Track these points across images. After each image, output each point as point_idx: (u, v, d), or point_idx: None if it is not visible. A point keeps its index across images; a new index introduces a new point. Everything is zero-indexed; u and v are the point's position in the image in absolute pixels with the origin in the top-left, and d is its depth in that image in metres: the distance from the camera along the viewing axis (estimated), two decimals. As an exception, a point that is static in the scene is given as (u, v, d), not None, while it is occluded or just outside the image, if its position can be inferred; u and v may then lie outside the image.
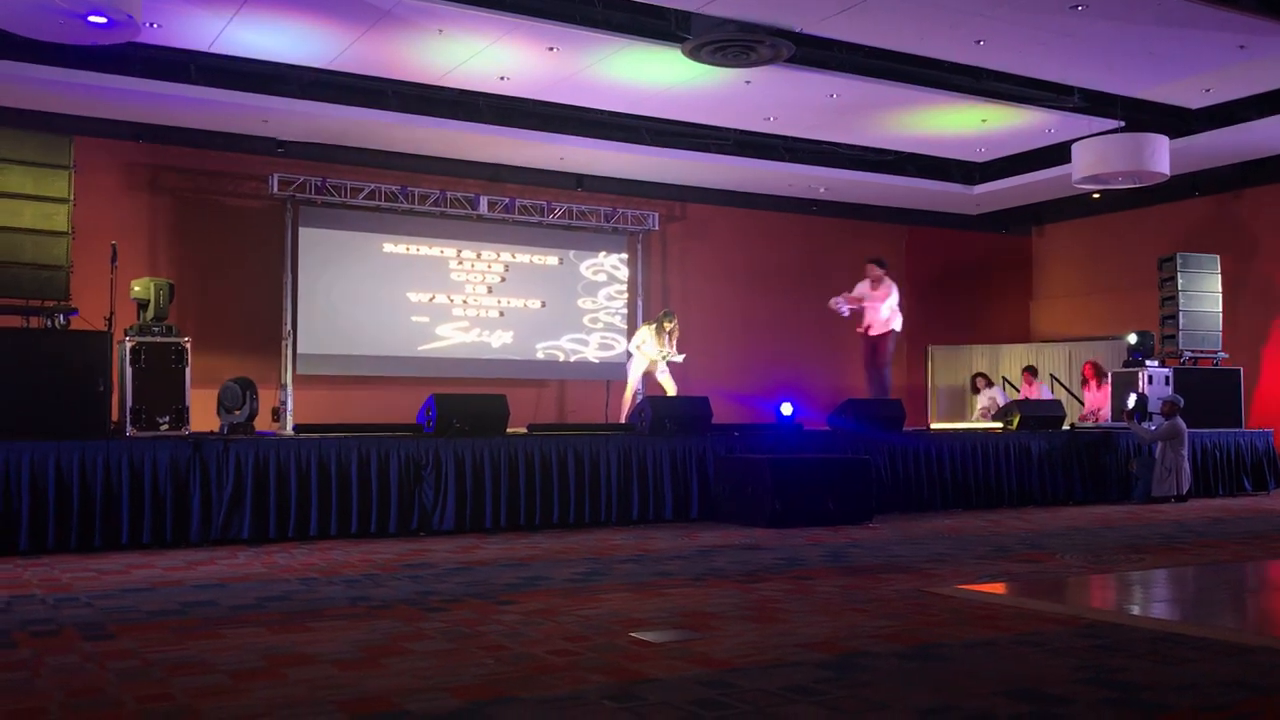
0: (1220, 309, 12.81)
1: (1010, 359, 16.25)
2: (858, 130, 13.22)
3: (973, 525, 8.73)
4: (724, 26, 9.63)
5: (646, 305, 14.62)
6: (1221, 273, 12.90)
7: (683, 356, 12.13)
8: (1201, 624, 4.65)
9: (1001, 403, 13.48)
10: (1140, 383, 12.01)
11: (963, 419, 14.94)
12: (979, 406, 14.20)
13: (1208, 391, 12.31)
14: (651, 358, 11.96)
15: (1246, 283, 13.93)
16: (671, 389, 12.00)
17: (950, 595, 5.29)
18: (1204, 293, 12.73)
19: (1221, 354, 12.79)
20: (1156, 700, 3.33)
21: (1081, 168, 12.09)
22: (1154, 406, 11.48)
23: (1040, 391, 13.83)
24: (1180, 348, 12.52)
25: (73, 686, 3.54)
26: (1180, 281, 12.57)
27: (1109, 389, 12.68)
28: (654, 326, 12.09)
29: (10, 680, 3.63)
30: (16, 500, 6.82)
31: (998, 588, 5.68)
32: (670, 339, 11.98)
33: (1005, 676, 3.64)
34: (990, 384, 14.39)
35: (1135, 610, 5.33)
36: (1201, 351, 12.67)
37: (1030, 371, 14.19)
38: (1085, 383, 13.42)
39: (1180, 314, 12.53)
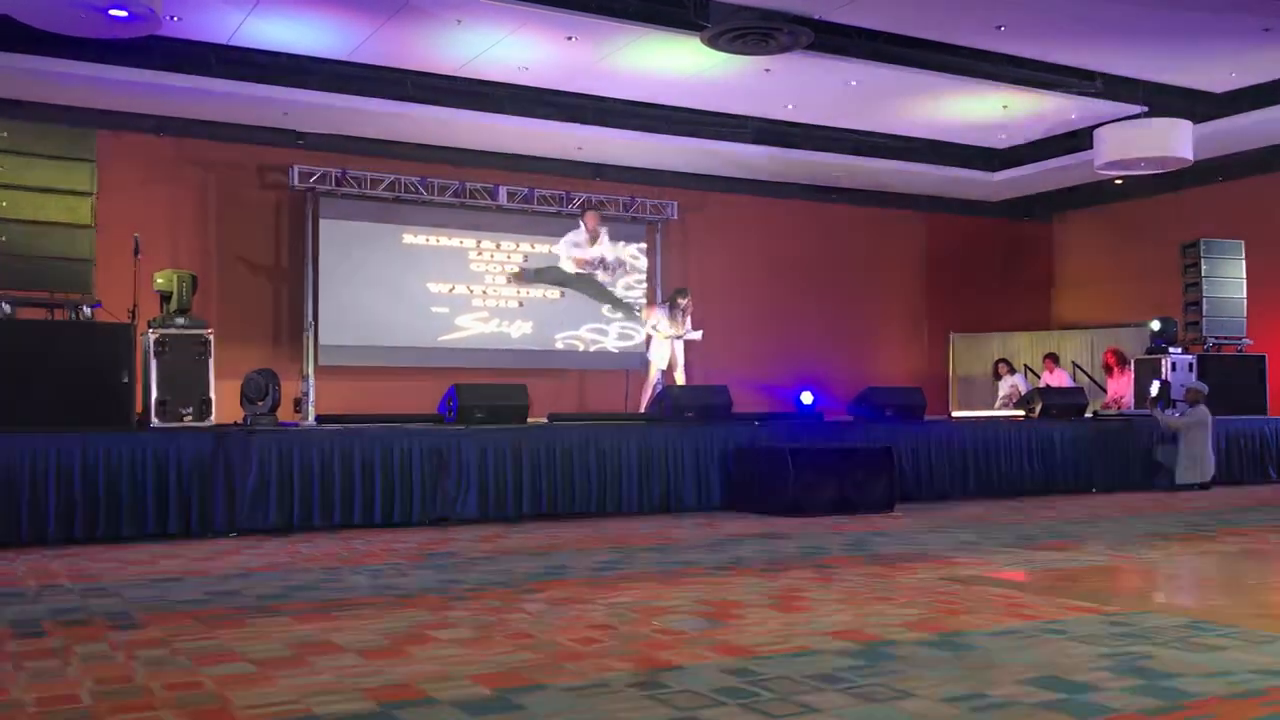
0: (1244, 295, 12.71)
1: (1032, 346, 16.16)
2: (877, 117, 13.16)
3: (996, 513, 8.70)
4: (742, 14, 9.59)
5: (666, 294, 14.59)
6: (1245, 258, 12.79)
7: (700, 334, 12.11)
8: (1228, 611, 4.62)
9: (1024, 390, 13.42)
10: (1164, 370, 11.93)
11: (985, 407, 14.87)
12: (1001, 394, 14.13)
13: (1232, 378, 12.22)
14: (666, 335, 11.92)
15: (1271, 268, 13.79)
16: (680, 377, 11.96)
17: (974, 583, 5.27)
18: (1228, 279, 12.63)
19: (1246, 340, 12.68)
20: (1183, 688, 3.31)
21: (1104, 153, 12.00)
22: (1177, 394, 11.40)
23: (1062, 378, 13.76)
24: (1204, 334, 12.42)
25: (102, 675, 3.57)
26: (1204, 268, 12.48)
27: (1132, 376, 12.60)
28: (667, 305, 12.10)
29: (41, 669, 3.67)
30: (44, 491, 6.88)
31: (1022, 575, 5.66)
32: (684, 316, 11.97)
33: (1031, 664, 3.62)
34: (1012, 371, 14.31)
35: (1161, 598, 5.30)
36: (1225, 338, 12.58)
37: (1052, 358, 14.11)
38: (1108, 370, 13.34)
39: (1204, 300, 12.44)
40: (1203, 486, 10.65)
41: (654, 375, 12.19)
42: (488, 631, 4.18)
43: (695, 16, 9.75)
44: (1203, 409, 10.72)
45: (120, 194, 10.77)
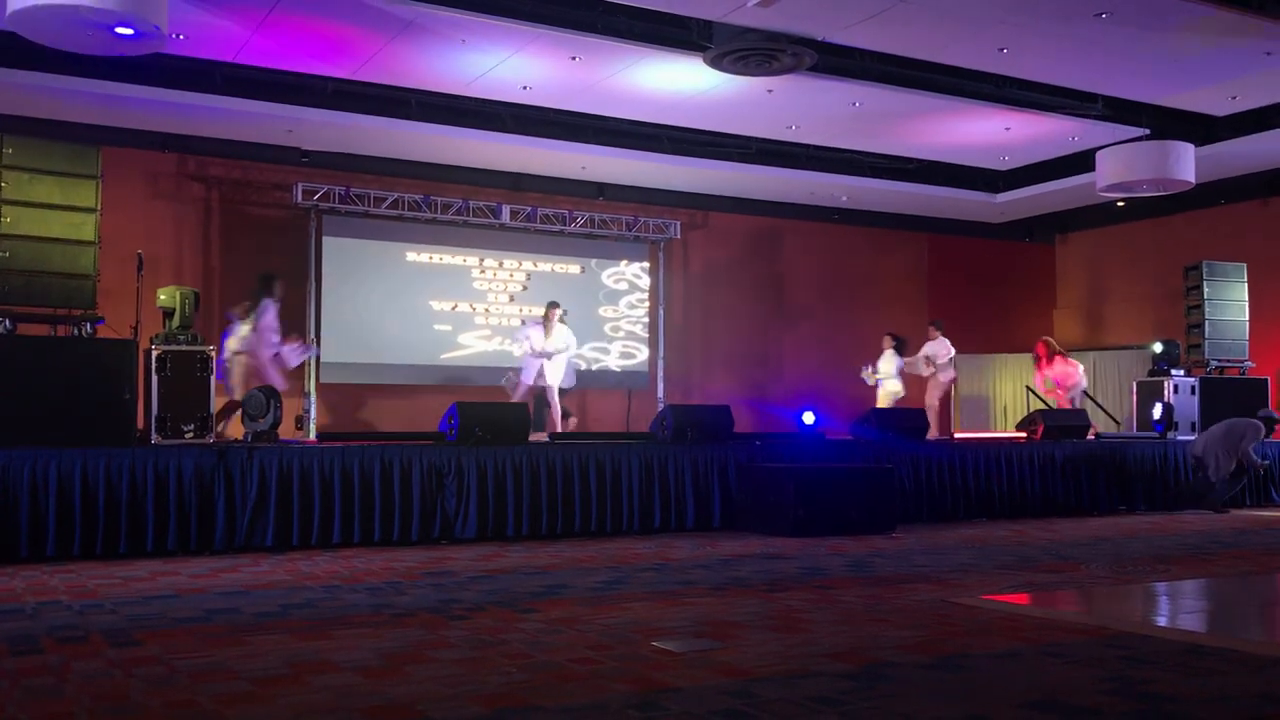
0: (1247, 318, 12.70)
1: (1033, 368, 16.13)
2: (880, 138, 13.20)
3: (997, 535, 8.67)
4: (746, 35, 9.64)
5: (668, 313, 14.62)
6: (1248, 281, 12.80)
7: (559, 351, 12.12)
8: (1230, 635, 4.60)
9: (942, 352, 13.16)
10: (1166, 392, 11.92)
11: (987, 429, 14.84)
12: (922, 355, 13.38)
13: (1234, 401, 12.20)
14: (536, 352, 12.03)
15: (1273, 291, 13.81)
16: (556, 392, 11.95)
17: (974, 605, 5.25)
18: (1230, 301, 12.63)
19: (1248, 363, 12.68)
20: (1184, 712, 3.30)
21: (1106, 175, 12.03)
22: (1180, 416, 11.39)
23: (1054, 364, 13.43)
24: (1206, 357, 12.41)
25: (99, 693, 3.56)
26: (1206, 290, 12.47)
27: (1076, 368, 12.59)
28: (541, 321, 12.15)
29: (38, 686, 3.66)
30: (44, 507, 6.87)
31: (1022, 598, 5.64)
32: (551, 327, 12.09)
33: (1030, 687, 3.61)
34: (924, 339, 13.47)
35: (1162, 621, 5.28)
36: (1228, 361, 12.57)
37: (1045, 345, 13.27)
38: (1037, 361, 13.13)
39: (1206, 323, 12.42)
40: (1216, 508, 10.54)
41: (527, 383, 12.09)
42: (485, 651, 4.17)
43: (698, 38, 9.80)
44: (1221, 425, 10.67)
45: (124, 210, 10.81)
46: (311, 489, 7.62)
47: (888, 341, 13.55)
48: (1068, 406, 12.45)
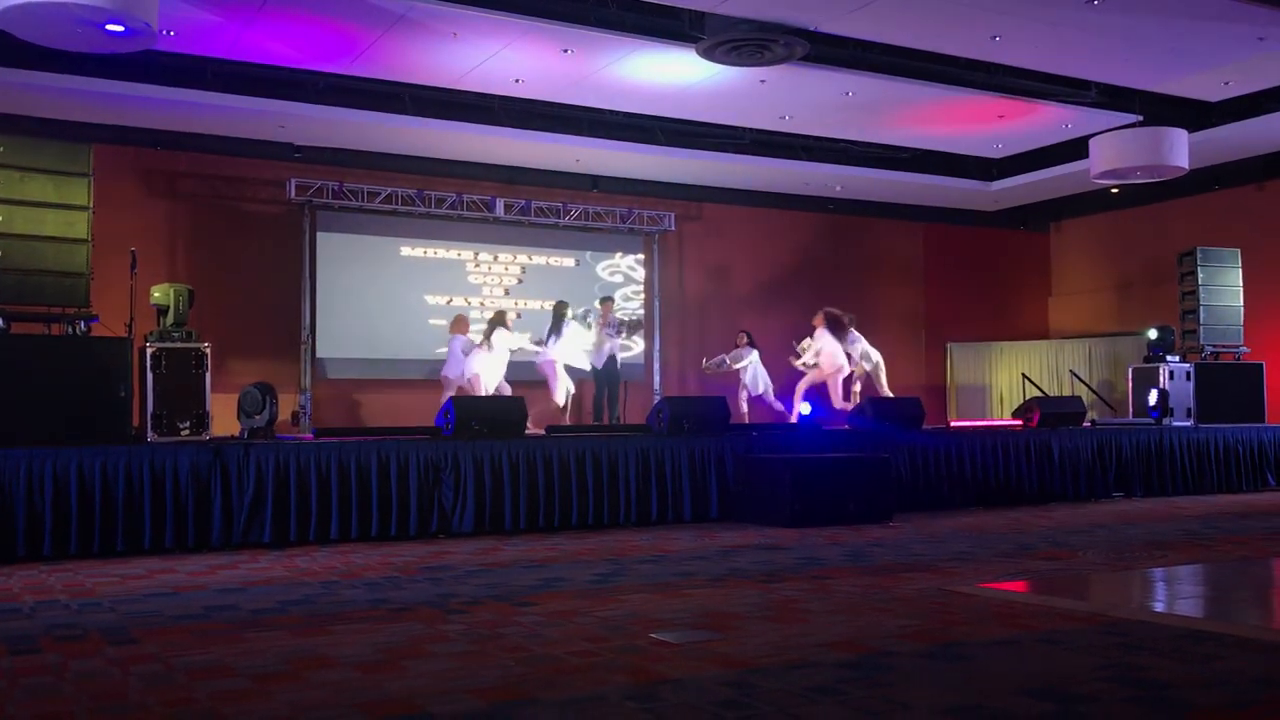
0: (1241, 303, 12.72)
1: (1030, 356, 16.17)
2: (874, 128, 13.19)
3: (994, 523, 8.68)
4: (738, 26, 9.63)
5: (663, 306, 14.61)
6: (1242, 266, 12.80)
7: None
8: (1227, 621, 4.61)
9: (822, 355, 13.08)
10: (1161, 378, 11.93)
11: (982, 416, 14.85)
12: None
13: (1230, 386, 12.22)
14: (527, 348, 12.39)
15: (1268, 276, 13.82)
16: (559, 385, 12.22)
17: (972, 594, 5.26)
18: (1225, 287, 12.64)
19: (1243, 348, 12.69)
20: (1182, 698, 3.30)
21: (1100, 163, 12.03)
22: (1175, 402, 11.38)
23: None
24: (1201, 342, 12.43)
25: (96, 691, 3.55)
26: (1200, 276, 12.48)
27: (837, 347, 12.63)
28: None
29: (35, 685, 3.65)
30: (40, 506, 6.86)
31: (1020, 586, 5.65)
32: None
33: (1028, 675, 3.61)
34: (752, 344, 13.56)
35: (1159, 607, 5.29)
36: (1223, 346, 12.58)
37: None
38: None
39: (1201, 308, 12.43)
40: None
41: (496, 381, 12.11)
42: (484, 645, 4.17)
43: (691, 29, 9.79)
44: None
45: (117, 208, 10.78)
46: (308, 485, 7.62)
47: (742, 339, 13.63)
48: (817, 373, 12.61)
